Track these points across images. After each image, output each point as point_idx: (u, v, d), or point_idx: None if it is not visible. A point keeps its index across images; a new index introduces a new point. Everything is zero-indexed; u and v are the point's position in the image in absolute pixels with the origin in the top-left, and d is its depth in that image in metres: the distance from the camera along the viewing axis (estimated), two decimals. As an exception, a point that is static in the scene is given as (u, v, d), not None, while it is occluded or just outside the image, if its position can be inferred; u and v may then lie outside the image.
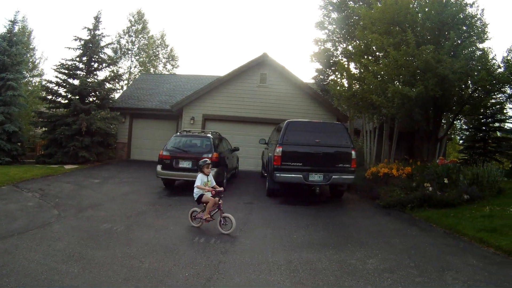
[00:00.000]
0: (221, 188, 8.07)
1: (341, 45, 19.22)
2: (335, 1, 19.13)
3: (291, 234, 7.74)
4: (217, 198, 7.78)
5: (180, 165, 12.02)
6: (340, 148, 11.28)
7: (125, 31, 42.98)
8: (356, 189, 13.81)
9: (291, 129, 11.46)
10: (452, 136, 26.70)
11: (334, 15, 19.37)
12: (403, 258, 6.38)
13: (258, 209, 10.18)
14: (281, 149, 11.09)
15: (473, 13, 13.34)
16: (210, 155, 11.83)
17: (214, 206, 7.83)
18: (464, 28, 13.32)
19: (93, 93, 20.45)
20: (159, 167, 12.21)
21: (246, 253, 6.39)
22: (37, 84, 32.34)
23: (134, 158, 21.99)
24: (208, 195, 7.88)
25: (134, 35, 42.99)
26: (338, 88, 15.89)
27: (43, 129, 20.62)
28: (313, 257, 6.27)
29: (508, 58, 12.58)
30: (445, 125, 16.68)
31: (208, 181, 8.14)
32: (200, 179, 8.04)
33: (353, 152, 11.27)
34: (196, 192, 8.03)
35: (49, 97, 20.40)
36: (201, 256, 6.16)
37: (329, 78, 20.37)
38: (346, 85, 16.33)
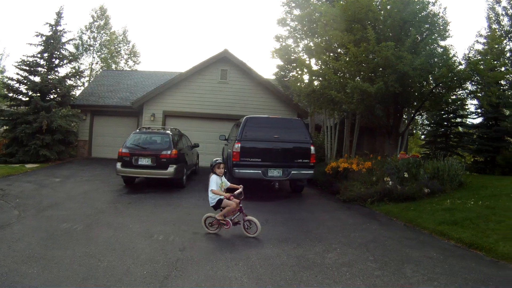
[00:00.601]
0: (240, 188, 7.27)
1: (303, 42, 19.18)
2: (297, -2, 19.06)
3: None
4: (237, 200, 7.11)
5: (140, 162, 11.84)
6: (299, 143, 11.34)
7: (87, 26, 42.22)
8: (316, 184, 13.89)
9: (250, 125, 11.44)
10: (414, 131, 27.26)
11: (297, 11, 19.30)
12: (362, 252, 6.33)
13: None
14: (239, 145, 11.08)
15: (435, 11, 13.54)
16: (169, 152, 11.84)
17: (235, 211, 7.21)
18: (426, 26, 13.49)
19: (54, 90, 19.83)
20: (118, 165, 12.04)
21: (204, 250, 6.35)
22: None
23: (95, 156, 21.57)
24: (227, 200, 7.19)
25: (96, 31, 42.24)
26: (298, 84, 15.89)
27: (4, 127, 19.91)
28: (271, 253, 6.19)
29: (469, 55, 12.88)
30: (406, 121, 16.86)
31: (222, 182, 7.48)
32: (214, 182, 7.33)
33: (312, 148, 11.33)
34: (213, 197, 7.30)
35: (10, 94, 19.63)
36: (159, 253, 6.10)
37: (290, 74, 20.38)
38: (306, 81, 16.31)
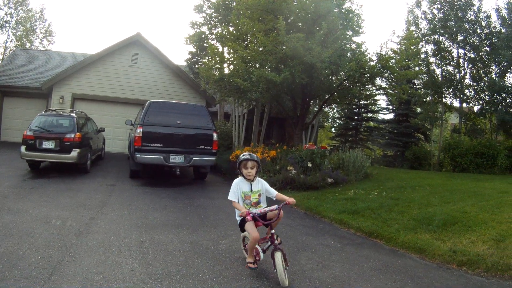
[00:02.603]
0: (275, 207, 4.76)
1: (217, 30, 18.98)
2: (215, -15, 18.77)
3: (147, 216, 7.53)
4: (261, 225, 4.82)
5: (44, 146, 11.45)
6: (202, 130, 11.38)
7: (5, 2, 38.72)
8: (221, 171, 14.00)
9: (152, 110, 11.33)
10: (326, 124, 28.08)
11: (214, -1, 19.02)
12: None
13: (119, 191, 9.91)
14: (141, 129, 10.93)
15: (351, 8, 13.91)
16: (73, 136, 11.55)
17: (260, 242, 4.82)
18: (341, 21, 13.71)
19: None
20: (23, 148, 11.55)
21: (99, 235, 6.21)
22: None
23: (5, 140, 20.27)
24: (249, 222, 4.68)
25: (14, 7, 39.10)
26: (208, 71, 15.72)
27: None
28: (165, 238, 6.12)
29: (381, 52, 13.31)
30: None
31: (252, 191, 4.96)
32: (235, 189, 4.98)
33: (214, 134, 11.40)
34: (236, 213, 5.11)
35: None
36: (55, 238, 5.91)
37: (201, 61, 20.09)
38: (216, 68, 16.16)
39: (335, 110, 26.78)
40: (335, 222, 7.56)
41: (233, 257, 5.34)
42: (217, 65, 15.61)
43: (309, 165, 10.80)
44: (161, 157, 10.88)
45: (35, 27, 41.58)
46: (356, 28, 13.85)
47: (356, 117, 25.26)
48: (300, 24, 13.64)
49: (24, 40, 40.23)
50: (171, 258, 5.27)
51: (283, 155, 11.90)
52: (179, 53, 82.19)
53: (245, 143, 17.23)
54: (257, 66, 13.20)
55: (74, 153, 11.45)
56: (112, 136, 18.15)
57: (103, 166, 14.10)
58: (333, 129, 31.76)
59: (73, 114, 12.48)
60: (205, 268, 4.92)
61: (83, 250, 5.47)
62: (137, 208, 8.09)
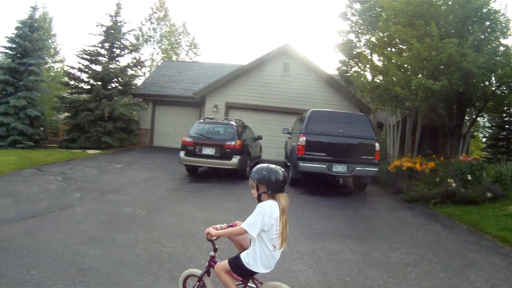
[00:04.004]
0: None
1: (364, 37, 19.03)
2: (356, -8, 18.89)
3: (314, 224, 7.74)
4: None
5: (203, 152, 11.97)
6: (364, 139, 11.11)
7: (147, 18, 42.93)
8: (378, 182, 13.71)
9: (314, 119, 11.36)
10: (475, 133, 26.34)
11: (357, 6, 19.15)
12: (426, 253, 6.39)
13: None
14: (304, 138, 11.02)
15: (496, 8, 13.18)
16: (233, 143, 11.85)
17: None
18: (488, 23, 13.16)
19: (115, 79, 20.64)
20: (182, 153, 12.20)
21: None
22: (59, 69, 32.51)
23: (156, 145, 22.09)
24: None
25: (156, 22, 42.97)
26: (361, 79, 15.79)
27: (66, 114, 20.83)
28: (336, 248, 6.26)
29: None
30: (468, 122, 16.54)
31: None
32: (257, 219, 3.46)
33: (376, 144, 11.12)
34: None
35: (71, 82, 20.62)
36: (223, 241, 5.66)
37: (352, 70, 20.17)
38: (369, 76, 16.22)
39: (485, 119, 24.85)
40: (497, 239, 7.42)
41: (405, 270, 5.54)
42: (370, 73, 15.64)
43: (469, 177, 10.54)
44: (325, 166, 10.87)
45: (179, 40, 44.51)
46: (504, 30, 13.03)
47: (507, 126, 23.22)
48: (450, 28, 13.20)
49: (170, 52, 43.14)
50: (345, 267, 5.44)
51: (442, 166, 11.66)
52: (327, 61, 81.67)
53: (398, 153, 16.86)
54: (412, 73, 13.00)
55: (235, 159, 11.79)
56: (266, 144, 18.35)
57: (261, 174, 14.57)
58: (484, 139, 29.40)
59: (232, 122, 12.80)
60: (380, 280, 5.12)
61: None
62: (303, 216, 8.31)
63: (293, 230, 6.80)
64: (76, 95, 20.86)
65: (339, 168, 10.95)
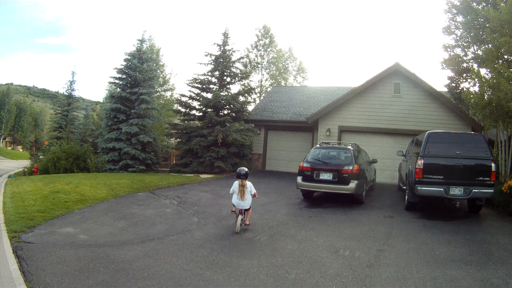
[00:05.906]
0: None
1: (470, 50, 18.57)
2: (458, 4, 18.56)
3: (433, 250, 7.75)
4: None
5: (321, 177, 12.27)
6: (480, 160, 10.85)
7: (253, 45, 45.12)
8: (491, 203, 13.13)
9: (431, 141, 11.32)
10: None
11: (460, 18, 18.85)
12: None
13: (398, 223, 10.19)
14: (422, 161, 11.00)
15: None
16: (351, 168, 12.04)
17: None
18: None
19: (227, 106, 21.90)
20: (299, 179, 12.60)
21: (391, 268, 6.49)
22: (168, 97, 35.03)
23: (269, 169, 22.80)
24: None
25: (262, 49, 44.71)
26: (471, 96, 15.42)
27: (177, 140, 22.38)
28: (457, 275, 6.30)
29: None
30: None
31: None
32: None
33: (493, 165, 10.77)
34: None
35: (183, 110, 22.22)
36: (347, 269, 6.28)
37: (461, 86, 19.76)
38: (478, 92, 15.74)
39: None
40: None
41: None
42: (479, 89, 15.25)
43: None
44: (442, 189, 10.73)
45: (287, 66, 45.75)
46: None
47: None
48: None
49: (279, 78, 44.44)
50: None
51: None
52: (432, 78, 78.89)
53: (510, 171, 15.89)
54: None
55: (352, 184, 11.86)
56: (379, 167, 18.42)
57: (376, 197, 14.29)
58: None
59: (349, 147, 12.96)
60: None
61: (378, 282, 5.71)
62: (422, 242, 8.27)
63: (413, 256, 7.27)
64: (188, 122, 22.44)
65: (456, 191, 10.80)
